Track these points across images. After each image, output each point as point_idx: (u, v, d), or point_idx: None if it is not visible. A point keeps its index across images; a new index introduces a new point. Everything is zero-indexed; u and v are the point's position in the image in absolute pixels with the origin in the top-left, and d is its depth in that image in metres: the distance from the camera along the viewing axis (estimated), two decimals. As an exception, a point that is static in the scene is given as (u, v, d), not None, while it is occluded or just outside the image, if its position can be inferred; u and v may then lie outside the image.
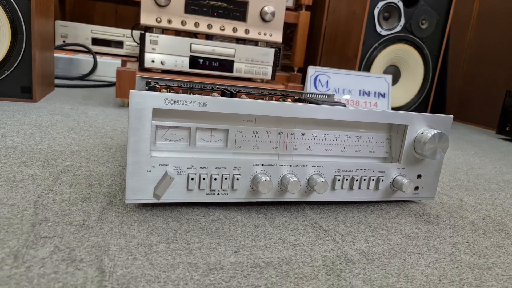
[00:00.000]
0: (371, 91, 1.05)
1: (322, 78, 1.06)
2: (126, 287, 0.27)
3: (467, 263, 0.36)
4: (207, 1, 1.04)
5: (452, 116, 0.48)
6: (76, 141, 0.63)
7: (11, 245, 0.30)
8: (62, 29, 1.65)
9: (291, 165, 0.42)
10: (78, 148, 0.59)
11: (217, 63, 1.08)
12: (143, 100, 0.36)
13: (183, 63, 1.05)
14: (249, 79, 1.13)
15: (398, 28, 1.17)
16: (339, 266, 0.33)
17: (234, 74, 1.09)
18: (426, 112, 1.29)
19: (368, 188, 0.46)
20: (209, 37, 1.22)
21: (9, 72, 0.93)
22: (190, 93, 0.55)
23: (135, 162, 0.37)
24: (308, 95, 0.67)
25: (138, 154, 0.37)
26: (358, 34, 1.16)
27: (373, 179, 0.45)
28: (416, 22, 1.17)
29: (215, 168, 0.40)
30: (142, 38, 1.01)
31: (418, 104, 1.27)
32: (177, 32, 1.25)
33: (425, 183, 0.48)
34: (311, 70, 1.06)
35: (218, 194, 0.41)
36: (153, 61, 1.03)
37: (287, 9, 1.81)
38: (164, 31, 1.04)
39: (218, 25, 1.05)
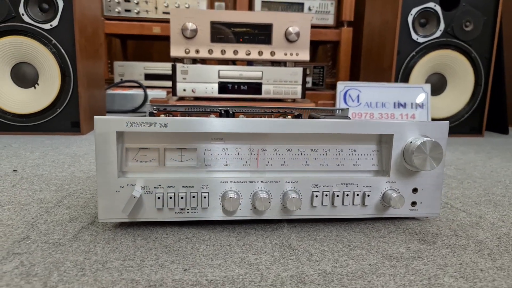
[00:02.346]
0: (407, 103, 0.99)
1: (353, 92, 1.02)
2: (58, 302, 0.28)
3: (446, 287, 0.31)
4: (232, 29, 1.08)
5: (448, 122, 0.43)
6: (96, 168, 0.68)
7: (-18, 261, 0.33)
8: (120, 69, 1.82)
9: (262, 182, 0.41)
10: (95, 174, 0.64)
11: (246, 86, 1.10)
12: (107, 125, 0.38)
13: (212, 90, 1.09)
14: (279, 100, 1.13)
15: (437, 34, 1.09)
16: (287, 287, 0.31)
17: (263, 96, 1.11)
18: (482, 122, 1.17)
19: (353, 204, 0.43)
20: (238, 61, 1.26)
21: (60, 109, 1.04)
22: (187, 116, 0.57)
23: (104, 183, 0.39)
24: (316, 111, 0.66)
25: (106, 176, 0.39)
26: (392, 44, 1.11)
27: (357, 194, 0.42)
28: (458, 25, 1.08)
29: (182, 187, 0.40)
30: (173, 69, 1.07)
31: (471, 114, 1.16)
32: (205, 61, 1.30)
33: (424, 197, 0.43)
34: (340, 86, 1.03)
35: (188, 213, 0.41)
36: (184, 90, 1.08)
37: (328, 27, 1.80)
38: (193, 60, 1.10)
39: (244, 50, 1.08)
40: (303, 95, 1.11)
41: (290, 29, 1.08)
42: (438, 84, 1.13)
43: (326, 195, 0.42)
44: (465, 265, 0.35)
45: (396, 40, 1.09)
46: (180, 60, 1.09)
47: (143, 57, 2.16)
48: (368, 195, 0.42)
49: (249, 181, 0.41)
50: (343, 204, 0.42)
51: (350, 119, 0.55)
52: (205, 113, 0.58)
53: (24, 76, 1.04)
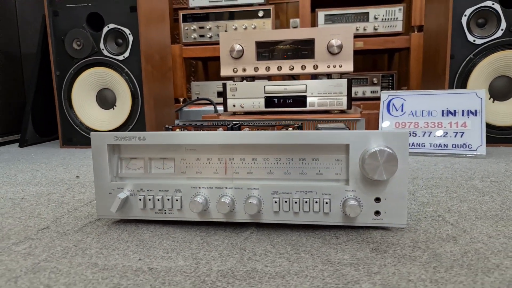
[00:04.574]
0: (457, 110, 0.91)
1: (397, 101, 0.99)
2: (36, 272, 0.37)
3: (356, 292, 0.32)
4: (275, 47, 1.13)
5: (407, 132, 0.42)
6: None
7: (9, 242, 0.45)
8: (196, 88, 2.01)
9: (227, 188, 0.46)
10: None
11: (291, 100, 1.14)
12: (99, 139, 0.47)
13: (259, 104, 1.16)
14: (325, 111, 1.14)
15: (498, 33, 0.99)
16: (209, 280, 0.35)
17: (308, 108, 1.13)
18: None
19: (314, 211, 0.44)
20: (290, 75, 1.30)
21: (131, 126, 1.22)
22: (198, 130, 0.65)
23: (99, 186, 0.48)
24: (328, 122, 0.67)
25: (101, 180, 0.48)
26: (445, 49, 1.04)
27: (316, 202, 0.44)
28: (524, 22, 0.97)
29: (159, 190, 0.47)
30: (224, 87, 1.17)
31: (554, 119, 1.01)
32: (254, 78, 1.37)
33: (388, 207, 0.43)
34: (384, 95, 1.01)
35: (165, 213, 0.47)
36: (234, 106, 1.17)
37: (396, 34, 1.73)
38: (243, 78, 1.18)
39: (287, 66, 1.13)
40: (349, 106, 1.11)
41: (332, 41, 1.09)
42: (505, 89, 1.01)
43: (286, 202, 0.45)
44: (397, 275, 0.34)
45: (449, 44, 1.01)
46: (230, 78, 1.18)
47: (220, 76, 2.34)
48: (327, 203, 0.44)
49: (216, 187, 0.46)
50: (303, 210, 0.44)
51: (348, 129, 0.56)
52: (214, 127, 0.65)
53: (106, 99, 1.25)
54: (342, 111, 1.13)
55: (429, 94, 0.95)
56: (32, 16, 1.48)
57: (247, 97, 1.16)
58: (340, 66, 1.10)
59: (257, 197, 0.45)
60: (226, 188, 0.46)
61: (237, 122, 0.68)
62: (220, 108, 1.81)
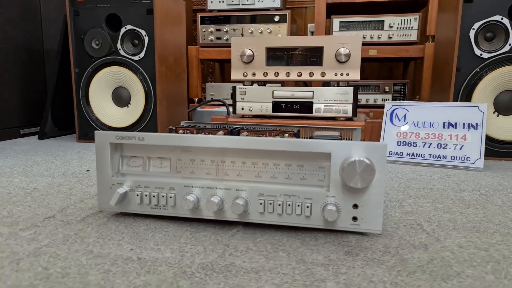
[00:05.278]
0: (458, 123, 0.92)
1: (400, 112, 1.00)
2: (37, 256, 0.41)
3: (320, 289, 0.35)
4: (285, 53, 1.16)
5: (387, 144, 0.44)
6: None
7: (17, 228, 0.49)
8: (211, 89, 2.05)
9: (217, 188, 0.49)
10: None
11: (298, 105, 1.17)
12: (103, 137, 0.51)
13: (267, 108, 1.19)
14: (331, 118, 1.16)
15: (506, 48, 0.99)
16: (190, 271, 0.38)
17: (314, 114, 1.15)
18: None
19: (296, 214, 0.47)
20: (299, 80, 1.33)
21: (144, 124, 1.27)
22: (201, 132, 0.68)
23: (101, 180, 0.52)
24: (316, 131, 0.70)
25: (103, 175, 0.52)
26: (451, 61, 1.05)
27: (298, 205, 0.47)
28: (532, 37, 0.97)
29: (155, 187, 0.51)
30: (234, 90, 1.21)
31: (561, 136, 1.00)
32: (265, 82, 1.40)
33: (365, 214, 0.45)
34: (388, 105, 1.02)
35: (160, 209, 0.51)
36: (242, 109, 1.20)
37: (411, 43, 1.74)
38: (253, 82, 1.22)
39: (295, 72, 1.16)
40: (354, 114, 1.13)
41: (341, 50, 1.11)
42: (510, 103, 1.02)
43: (271, 204, 0.48)
44: (362, 276, 0.37)
45: (455, 56, 1.02)
46: (241, 82, 1.22)
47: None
48: (308, 206, 0.46)
49: (207, 187, 0.50)
50: (286, 212, 0.47)
51: (340, 139, 0.59)
52: (215, 130, 0.68)
53: (121, 97, 1.31)
54: (348, 119, 1.15)
55: (432, 106, 0.96)
56: (55, 15, 1.56)
57: (255, 101, 1.19)
58: (347, 75, 1.12)
59: (244, 198, 0.48)
60: (216, 188, 0.49)
61: (237, 126, 0.71)
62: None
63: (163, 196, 0.51)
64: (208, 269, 0.39)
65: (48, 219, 0.53)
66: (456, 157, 0.91)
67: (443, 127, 0.94)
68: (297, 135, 0.66)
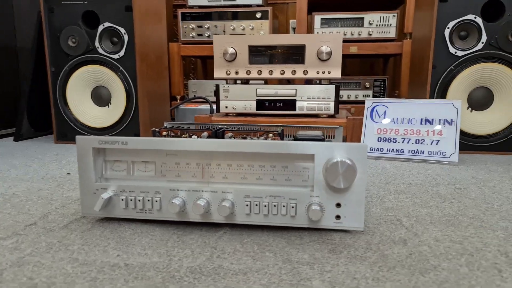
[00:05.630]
0: (435, 119, 0.95)
1: (380, 109, 1.02)
2: (20, 265, 0.40)
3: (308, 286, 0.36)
4: (268, 51, 1.17)
5: (367, 145, 0.46)
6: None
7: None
8: (193, 86, 2.04)
9: (203, 191, 0.50)
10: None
11: (281, 103, 1.18)
12: (85, 142, 0.51)
13: (251, 106, 1.19)
14: (314, 115, 1.18)
15: (479, 46, 1.02)
16: (178, 275, 0.39)
17: (297, 112, 1.17)
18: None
19: (282, 214, 0.48)
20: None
21: (126, 124, 1.26)
22: (185, 134, 0.68)
23: (84, 186, 0.52)
24: (299, 130, 0.71)
25: (86, 180, 0.51)
26: (428, 58, 1.07)
27: (284, 206, 0.48)
28: (504, 37, 1.00)
29: (140, 192, 0.51)
30: (217, 88, 1.20)
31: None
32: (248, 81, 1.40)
33: (348, 212, 0.47)
34: (368, 102, 1.05)
35: (146, 213, 0.51)
36: (226, 107, 1.20)
37: (389, 40, 1.77)
38: (235, 80, 1.22)
39: (278, 70, 1.16)
40: (336, 111, 1.14)
41: (322, 48, 1.12)
42: (483, 99, 1.05)
43: (257, 205, 0.48)
44: (345, 273, 0.38)
45: (431, 54, 1.05)
46: (224, 80, 1.22)
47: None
48: (293, 207, 0.47)
49: (193, 190, 0.50)
50: (272, 213, 0.48)
51: (323, 139, 0.60)
52: (199, 131, 0.68)
53: (100, 97, 1.28)
54: (330, 116, 1.17)
55: (410, 103, 0.99)
56: (28, 11, 1.51)
57: (239, 99, 1.19)
58: (329, 72, 1.14)
59: (231, 200, 0.49)
60: (202, 191, 0.50)
61: (222, 127, 0.71)
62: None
63: (148, 200, 0.51)
64: (196, 273, 0.39)
65: (30, 227, 0.52)
66: (433, 152, 0.94)
67: (421, 123, 0.96)
68: (281, 135, 0.67)
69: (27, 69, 1.37)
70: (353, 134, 1.10)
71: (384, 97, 1.81)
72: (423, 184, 0.74)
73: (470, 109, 1.05)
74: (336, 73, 1.14)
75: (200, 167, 0.50)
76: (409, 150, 0.96)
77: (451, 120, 0.93)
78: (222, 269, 0.40)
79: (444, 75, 1.05)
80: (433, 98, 1.07)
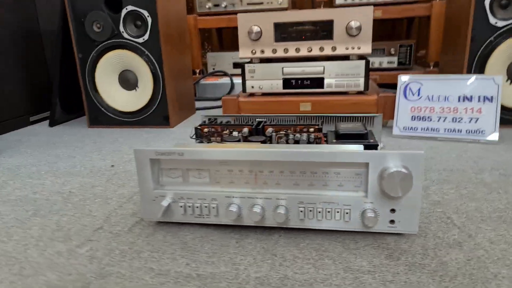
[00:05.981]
0: (474, 96, 0.93)
1: (413, 86, 1.01)
2: (104, 277, 0.44)
3: (373, 301, 0.38)
4: (294, 28, 1.14)
5: (423, 152, 0.46)
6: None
7: (72, 244, 0.52)
8: (212, 59, 2.02)
9: (257, 197, 0.52)
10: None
11: (308, 81, 1.17)
12: (143, 154, 0.53)
13: (277, 85, 1.19)
14: (343, 93, 1.16)
15: (520, 15, 0.98)
16: (248, 287, 0.42)
17: (325, 89, 1.16)
18: None
19: (335, 219, 0.50)
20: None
21: (155, 106, 1.27)
22: (226, 129, 0.70)
23: (144, 193, 0.54)
24: (340, 123, 0.71)
25: (146, 189, 0.54)
26: (466, 30, 1.03)
27: (338, 212, 0.49)
28: (548, 3, 0.95)
29: (198, 199, 0.53)
30: (243, 69, 1.19)
31: None
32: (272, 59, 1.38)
33: (402, 217, 0.48)
34: (403, 77, 1.03)
35: (204, 217, 0.54)
36: (252, 87, 1.20)
37: (416, 1, 1.69)
38: (262, 59, 1.20)
39: (305, 47, 1.14)
40: (366, 87, 1.13)
41: (352, 23, 1.09)
42: (524, 72, 1.02)
43: (311, 211, 0.50)
44: (409, 284, 0.41)
45: (470, 25, 1.01)
46: (249, 59, 1.21)
47: (236, 46, 2.32)
48: (347, 213, 0.49)
49: (248, 197, 0.52)
50: (326, 218, 0.50)
51: (367, 134, 0.60)
52: (239, 126, 0.69)
53: (128, 80, 1.29)
54: (360, 92, 1.15)
55: (447, 79, 0.97)
56: (49, -6, 1.49)
57: (265, 79, 1.19)
58: (359, 48, 1.11)
59: (285, 206, 0.51)
60: (256, 198, 0.52)
61: (261, 121, 0.72)
62: (237, 81, 1.84)
63: (206, 207, 0.53)
64: (265, 284, 0.42)
65: (98, 232, 0.56)
66: (471, 130, 0.93)
67: (458, 101, 0.95)
68: (321, 130, 0.67)
69: (55, 54, 1.38)
70: (385, 112, 1.09)
71: (409, 63, 1.76)
72: (465, 170, 0.74)
73: (509, 81, 1.02)
74: (367, 49, 1.11)
75: (253, 174, 0.52)
76: (445, 129, 0.95)
77: (491, 97, 0.91)
78: (288, 279, 0.43)
79: (483, 47, 1.01)
80: (471, 71, 1.04)
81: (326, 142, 0.64)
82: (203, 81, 1.89)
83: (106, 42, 1.23)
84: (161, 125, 1.28)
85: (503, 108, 1.03)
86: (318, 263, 0.45)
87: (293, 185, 0.51)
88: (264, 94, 1.22)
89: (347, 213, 0.49)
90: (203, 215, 0.54)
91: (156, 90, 1.25)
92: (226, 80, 1.87)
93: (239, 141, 0.65)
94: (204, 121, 0.74)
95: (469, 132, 0.93)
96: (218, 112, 1.53)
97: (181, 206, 0.54)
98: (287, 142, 0.64)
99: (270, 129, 0.68)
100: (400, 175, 0.45)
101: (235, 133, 0.68)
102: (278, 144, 0.59)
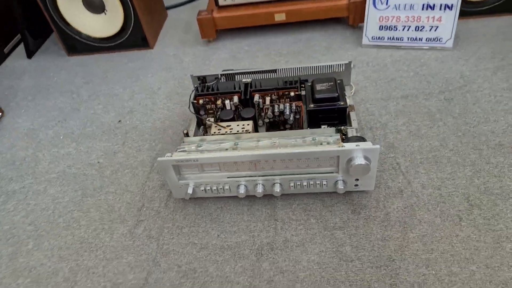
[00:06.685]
0: (436, 4, 0.99)
1: (382, -7, 1.04)
2: (166, 255, 0.66)
3: (344, 254, 0.62)
4: None
5: (379, 146, 0.61)
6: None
7: (128, 225, 0.72)
8: None
9: (258, 179, 0.69)
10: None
11: (280, -12, 1.15)
12: (166, 163, 0.67)
13: (250, -5, 1.17)
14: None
15: None
16: (264, 252, 0.64)
17: (297, -5, 1.16)
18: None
19: (316, 187, 0.69)
20: None
21: (130, 30, 1.27)
22: (218, 98, 0.81)
23: (172, 184, 0.71)
24: (316, 85, 0.82)
25: (172, 182, 0.71)
26: None
27: (318, 183, 0.68)
28: None
29: (214, 183, 0.71)
30: (211, -19, 1.15)
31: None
32: None
33: (363, 182, 0.68)
34: (371, -14, 1.04)
35: (220, 193, 0.73)
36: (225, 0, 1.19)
37: None
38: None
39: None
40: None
41: None
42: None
43: (299, 185, 0.69)
44: (364, 235, 0.63)
45: None
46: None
47: None
48: (325, 184, 0.68)
49: (251, 180, 0.70)
50: (310, 187, 0.70)
51: (338, 97, 0.74)
52: (229, 94, 0.80)
53: (92, 2, 1.24)
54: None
55: (413, -14, 1.00)
56: None
57: (236, -10, 1.16)
58: (328, -50, 1.07)
59: (279, 183, 0.69)
60: (258, 179, 0.69)
61: (247, 83, 0.82)
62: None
63: (221, 188, 0.71)
64: (274, 248, 0.64)
65: (142, 210, 0.75)
66: (431, 38, 1.03)
67: (422, 9, 1.01)
68: (300, 97, 0.79)
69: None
70: (355, 18, 1.14)
71: None
72: (417, 96, 0.89)
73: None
74: (337, -51, 1.07)
75: (253, 163, 0.68)
76: (408, 38, 1.05)
77: (452, 4, 0.98)
78: (287, 242, 0.65)
79: None
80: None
81: (306, 107, 0.77)
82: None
83: (57, -32, 1.13)
84: (140, 47, 1.31)
85: (464, 1, 1.09)
86: (307, 224, 0.67)
87: (285, 168, 0.69)
88: (237, 5, 1.21)
89: (325, 184, 0.68)
90: (219, 192, 0.73)
91: (126, 13, 1.23)
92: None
93: (233, 118, 0.78)
94: (196, 87, 0.84)
95: (428, 39, 1.03)
96: (189, 8, 1.50)
97: (202, 190, 0.72)
98: (273, 114, 0.77)
99: (257, 97, 0.79)
100: (362, 167, 0.62)
101: (227, 102, 0.80)
102: (270, 146, 0.73)
